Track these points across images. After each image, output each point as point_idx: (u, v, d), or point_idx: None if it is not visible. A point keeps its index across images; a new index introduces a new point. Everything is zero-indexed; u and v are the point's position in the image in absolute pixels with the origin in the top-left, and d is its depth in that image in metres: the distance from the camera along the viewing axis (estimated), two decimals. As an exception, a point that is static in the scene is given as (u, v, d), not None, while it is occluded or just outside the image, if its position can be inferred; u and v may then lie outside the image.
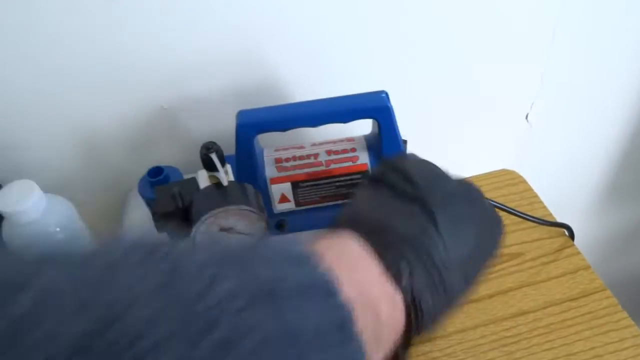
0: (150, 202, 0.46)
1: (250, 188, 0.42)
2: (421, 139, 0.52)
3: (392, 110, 0.43)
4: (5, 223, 0.46)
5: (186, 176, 0.46)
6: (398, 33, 0.53)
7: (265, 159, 0.46)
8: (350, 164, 0.46)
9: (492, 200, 0.57)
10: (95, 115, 0.50)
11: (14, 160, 0.50)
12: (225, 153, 0.42)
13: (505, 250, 0.62)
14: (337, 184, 0.46)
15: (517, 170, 0.71)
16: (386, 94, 0.43)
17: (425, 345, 0.54)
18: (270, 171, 0.46)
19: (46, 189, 0.46)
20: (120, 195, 0.52)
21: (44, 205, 0.45)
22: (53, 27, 0.44)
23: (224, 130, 0.47)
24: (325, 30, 0.51)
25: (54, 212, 0.46)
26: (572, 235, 0.62)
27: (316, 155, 0.46)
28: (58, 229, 0.46)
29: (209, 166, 0.40)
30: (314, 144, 0.47)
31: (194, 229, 0.40)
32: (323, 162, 0.46)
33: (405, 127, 0.46)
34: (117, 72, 0.48)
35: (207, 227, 0.41)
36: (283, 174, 0.46)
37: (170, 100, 0.51)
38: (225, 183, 0.40)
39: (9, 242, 0.46)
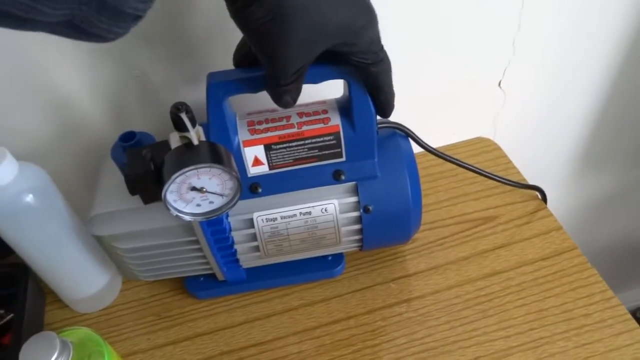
0: (123, 167, 0.46)
1: (221, 148, 0.42)
2: (398, 106, 0.52)
3: (362, 70, 0.43)
4: (-23, 188, 0.45)
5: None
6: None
7: (238, 122, 0.47)
8: (322, 125, 0.46)
9: (467, 164, 0.58)
10: (66, 80, 0.49)
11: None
12: (200, 121, 0.42)
13: (480, 215, 0.63)
14: (309, 145, 0.47)
15: (492, 139, 0.72)
16: (356, 54, 0.43)
17: (400, 306, 0.55)
18: (242, 134, 0.46)
19: (20, 156, 0.46)
20: (95, 162, 0.52)
21: (16, 172, 0.45)
22: None
23: (198, 100, 0.47)
24: None
25: (26, 179, 0.46)
26: (544, 198, 0.63)
27: (288, 118, 0.46)
28: (30, 195, 0.46)
29: (180, 126, 0.40)
30: (286, 107, 0.47)
31: (164, 189, 0.40)
32: (295, 124, 0.46)
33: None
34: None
35: (178, 186, 0.41)
36: (256, 136, 0.46)
37: (144, 67, 0.51)
38: (195, 142, 0.40)
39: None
